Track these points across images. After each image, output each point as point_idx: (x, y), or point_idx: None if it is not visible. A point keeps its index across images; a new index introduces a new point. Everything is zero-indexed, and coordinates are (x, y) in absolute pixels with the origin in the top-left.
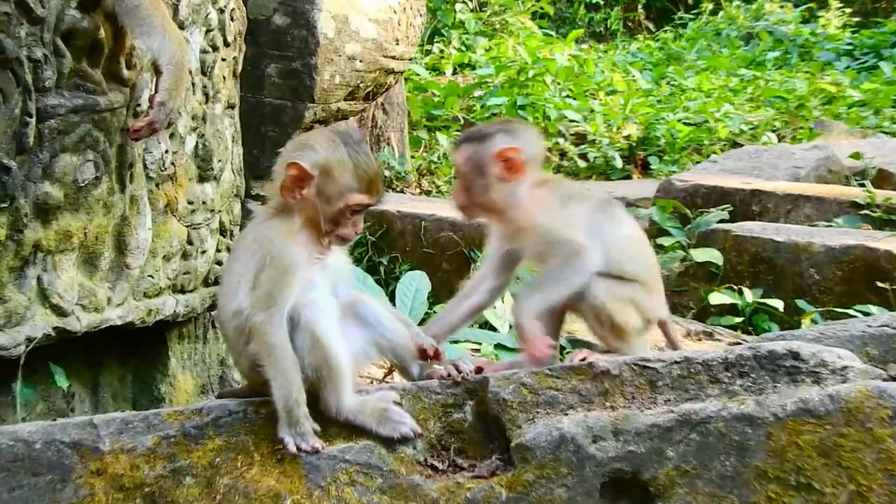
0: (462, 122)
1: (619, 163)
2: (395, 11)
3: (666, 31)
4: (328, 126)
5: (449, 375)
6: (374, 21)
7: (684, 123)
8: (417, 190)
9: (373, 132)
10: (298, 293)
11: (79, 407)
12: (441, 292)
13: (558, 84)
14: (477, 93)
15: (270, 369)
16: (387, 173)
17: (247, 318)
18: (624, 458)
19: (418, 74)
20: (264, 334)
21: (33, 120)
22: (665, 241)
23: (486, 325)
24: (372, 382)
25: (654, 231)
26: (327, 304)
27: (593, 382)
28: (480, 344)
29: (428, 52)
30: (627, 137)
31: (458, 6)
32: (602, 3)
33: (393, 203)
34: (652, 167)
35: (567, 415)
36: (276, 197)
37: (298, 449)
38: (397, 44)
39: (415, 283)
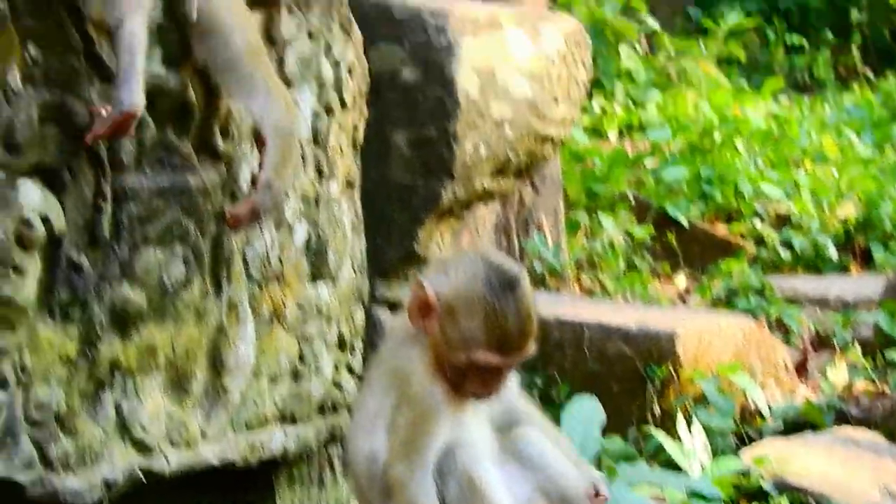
0: (632, 200)
1: (832, 253)
2: (553, 62)
3: (889, 80)
4: (485, 249)
5: None
6: (527, 75)
7: None
8: (576, 288)
9: (519, 215)
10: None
11: None
12: (611, 422)
13: (753, 150)
14: (649, 163)
15: None
16: (538, 267)
17: (384, 467)
18: None
19: (575, 139)
20: (406, 491)
21: (109, 205)
22: (895, 355)
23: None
24: None
25: (880, 341)
26: (484, 442)
27: None
28: (663, 489)
29: (586, 110)
30: (843, 220)
31: (624, 51)
32: (806, 44)
33: (547, 306)
34: (875, 258)
35: None
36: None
37: None
38: (556, 104)
39: (584, 412)
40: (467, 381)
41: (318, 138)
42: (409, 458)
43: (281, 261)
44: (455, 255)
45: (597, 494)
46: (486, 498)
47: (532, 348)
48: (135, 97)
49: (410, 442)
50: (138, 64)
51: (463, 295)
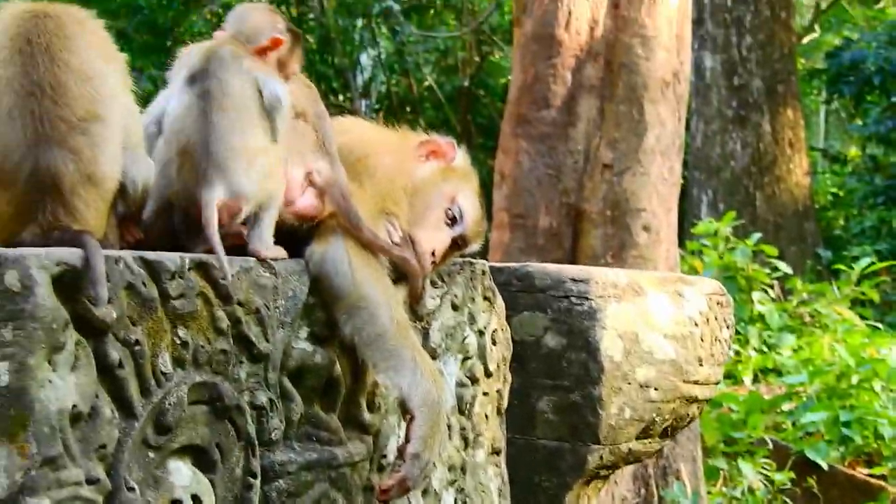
0: (770, 445)
1: None
2: (696, 324)
3: None
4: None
5: None
6: (670, 338)
7: None
8: None
9: (658, 463)
10: None
11: None
12: None
13: (891, 391)
14: (786, 406)
15: None
16: None
17: None
18: None
19: None
20: None
21: (258, 481)
22: None
23: None
24: None
25: None
26: None
27: None
28: None
29: None
30: None
31: (757, 295)
32: None
33: None
34: None
35: None
36: None
37: None
38: (701, 364)
39: None
40: None
41: (462, 408)
42: None
43: None
44: None
45: None
46: None
47: None
48: None
49: None
50: None
51: None
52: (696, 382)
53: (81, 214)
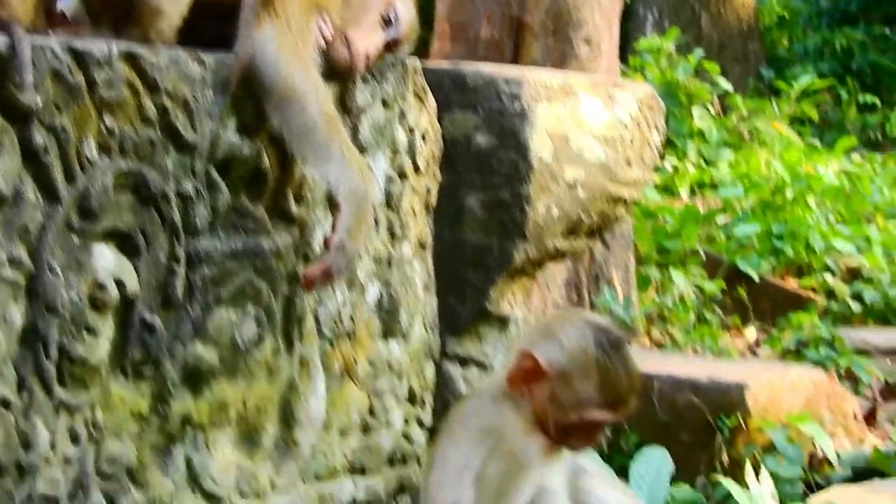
0: (703, 256)
1: None
2: (626, 126)
3: None
4: (582, 313)
5: None
6: (600, 139)
7: None
8: (647, 341)
9: (590, 270)
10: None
11: None
12: (680, 470)
13: (825, 207)
14: (721, 219)
15: None
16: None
17: None
18: None
19: (647, 197)
20: None
21: (182, 267)
22: None
23: None
24: None
25: None
26: (563, 491)
27: None
28: None
29: (658, 169)
30: None
31: (697, 111)
32: (878, 103)
33: None
34: None
35: None
36: (505, 384)
37: None
38: (629, 166)
39: (654, 463)
40: (571, 437)
41: (391, 202)
42: None
43: (353, 319)
44: (555, 322)
45: None
46: None
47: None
48: None
49: (501, 492)
50: None
51: (577, 361)
52: (624, 184)
53: (9, 2)
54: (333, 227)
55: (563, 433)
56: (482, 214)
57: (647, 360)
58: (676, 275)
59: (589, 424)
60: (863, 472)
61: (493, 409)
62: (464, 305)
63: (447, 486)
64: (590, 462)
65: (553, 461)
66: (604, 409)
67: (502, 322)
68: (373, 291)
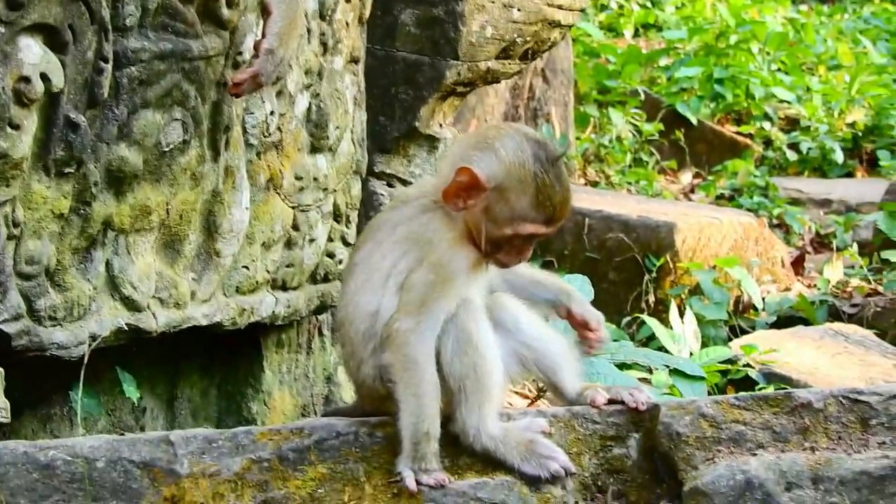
0: (642, 97)
1: (839, 156)
2: None
3: None
4: (517, 125)
5: (619, 402)
6: None
7: None
8: (582, 179)
9: (528, 105)
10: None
11: (150, 425)
12: (606, 309)
13: (767, 54)
14: (663, 61)
15: (403, 388)
16: None
17: (389, 323)
18: None
19: (590, 35)
20: (407, 344)
21: (109, 66)
22: (892, 256)
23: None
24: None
25: (880, 242)
26: (482, 306)
27: (790, 417)
28: (651, 372)
29: (603, 8)
30: (852, 125)
31: None
32: None
33: None
34: (881, 163)
35: (755, 455)
36: (436, 191)
37: (419, 483)
38: None
39: (575, 287)
40: (502, 252)
41: (323, 13)
42: (419, 315)
43: (280, 130)
44: (491, 134)
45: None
46: (481, 353)
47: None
48: None
49: (425, 301)
50: None
51: (515, 175)
52: (559, 7)
53: None
54: (263, 32)
55: (495, 248)
56: (415, 31)
57: (582, 197)
58: (615, 115)
59: (521, 239)
60: (787, 319)
61: (422, 219)
62: (393, 123)
63: (369, 291)
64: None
65: (478, 275)
66: (538, 223)
67: (431, 142)
68: (302, 103)
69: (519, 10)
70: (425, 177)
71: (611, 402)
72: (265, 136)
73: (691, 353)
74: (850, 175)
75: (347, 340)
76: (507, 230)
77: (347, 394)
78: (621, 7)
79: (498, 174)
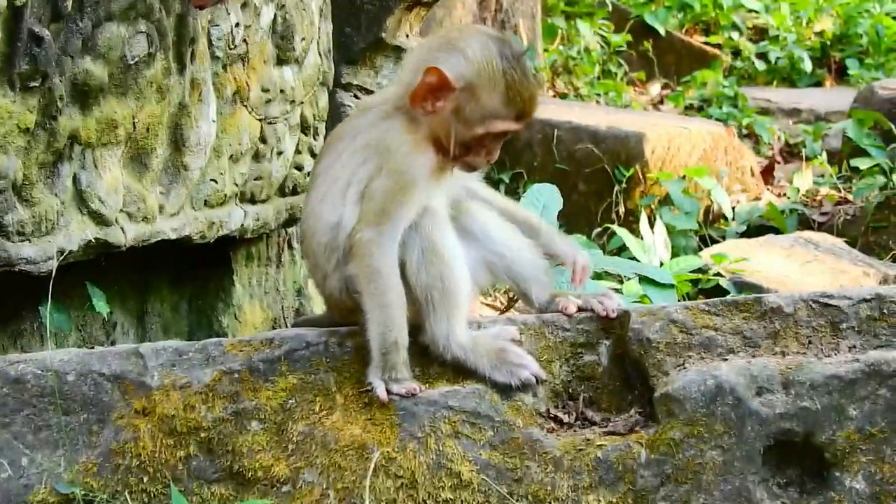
0: (610, 7)
1: (808, 65)
2: None
3: None
4: (477, 26)
5: (589, 310)
6: None
7: (893, 18)
8: (550, 92)
9: (496, 17)
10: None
11: (121, 340)
12: (576, 220)
13: None
14: None
15: (369, 299)
16: None
17: (351, 234)
18: (795, 415)
19: None
20: (370, 255)
21: None
22: (861, 163)
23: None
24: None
25: (849, 151)
26: (445, 212)
27: (760, 322)
28: (622, 282)
29: None
30: (820, 34)
31: None
32: None
33: None
34: (850, 72)
35: (726, 360)
36: (399, 97)
37: (390, 393)
38: None
39: (543, 198)
40: (471, 153)
41: None
42: (380, 225)
43: (246, 42)
44: (455, 36)
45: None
46: (446, 262)
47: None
48: None
49: (385, 210)
50: None
51: (484, 72)
52: None
53: None
54: None
55: (464, 150)
56: None
57: (550, 109)
58: (583, 26)
59: (492, 137)
60: (757, 228)
61: (381, 126)
62: (359, 34)
63: (330, 202)
64: (481, 186)
65: (440, 182)
66: (509, 119)
67: (398, 52)
68: (267, 14)
69: None
70: (386, 85)
71: (581, 309)
72: (231, 49)
73: (662, 263)
74: (818, 84)
75: (311, 253)
76: (479, 129)
77: (319, 306)
78: None
79: (466, 73)
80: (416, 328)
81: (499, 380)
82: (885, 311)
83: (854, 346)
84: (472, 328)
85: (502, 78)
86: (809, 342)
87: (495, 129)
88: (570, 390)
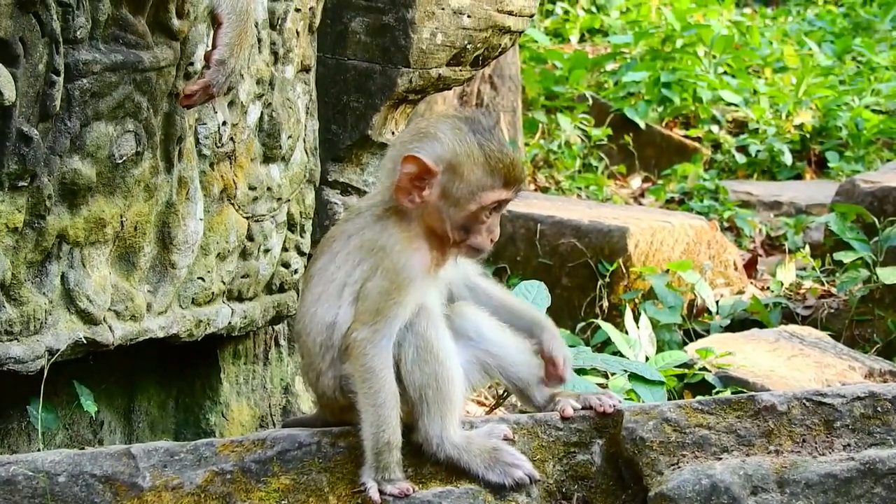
0: (590, 101)
1: (788, 158)
2: None
3: None
4: (443, 112)
5: (588, 408)
6: None
7: (873, 111)
8: (532, 185)
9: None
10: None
11: (108, 438)
12: (560, 315)
13: (713, 57)
14: (610, 66)
15: (363, 398)
16: None
17: (346, 334)
18: None
19: (536, 41)
20: (364, 355)
21: (61, 79)
22: (845, 257)
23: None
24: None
25: (832, 244)
26: (441, 314)
27: (754, 420)
28: (608, 377)
29: (549, 14)
30: (800, 127)
31: None
32: None
33: None
34: (830, 165)
35: (720, 459)
36: (387, 196)
37: (382, 493)
38: None
39: (531, 295)
40: (472, 234)
41: (274, 23)
42: (375, 324)
43: (233, 140)
44: (424, 126)
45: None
46: (441, 361)
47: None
48: None
49: (380, 310)
50: None
51: (460, 149)
52: (509, 13)
53: None
54: (214, 43)
55: (464, 232)
56: (366, 38)
57: (532, 203)
58: (564, 120)
59: (487, 212)
60: (741, 322)
61: (375, 227)
62: (345, 132)
63: (325, 302)
64: (482, 278)
65: (436, 277)
66: (498, 188)
67: (384, 149)
68: (254, 112)
69: (469, 16)
70: (374, 188)
71: (582, 408)
72: (218, 147)
73: (647, 358)
74: (799, 177)
75: (306, 352)
76: (471, 205)
77: (305, 404)
78: (567, 12)
79: (444, 154)
80: (409, 427)
81: (493, 479)
82: (878, 408)
83: (848, 445)
84: (465, 427)
85: (480, 150)
86: (804, 440)
87: (487, 201)
88: (564, 490)
